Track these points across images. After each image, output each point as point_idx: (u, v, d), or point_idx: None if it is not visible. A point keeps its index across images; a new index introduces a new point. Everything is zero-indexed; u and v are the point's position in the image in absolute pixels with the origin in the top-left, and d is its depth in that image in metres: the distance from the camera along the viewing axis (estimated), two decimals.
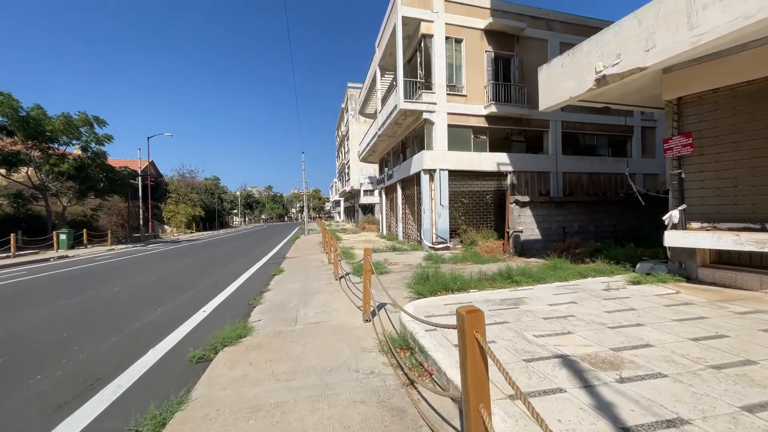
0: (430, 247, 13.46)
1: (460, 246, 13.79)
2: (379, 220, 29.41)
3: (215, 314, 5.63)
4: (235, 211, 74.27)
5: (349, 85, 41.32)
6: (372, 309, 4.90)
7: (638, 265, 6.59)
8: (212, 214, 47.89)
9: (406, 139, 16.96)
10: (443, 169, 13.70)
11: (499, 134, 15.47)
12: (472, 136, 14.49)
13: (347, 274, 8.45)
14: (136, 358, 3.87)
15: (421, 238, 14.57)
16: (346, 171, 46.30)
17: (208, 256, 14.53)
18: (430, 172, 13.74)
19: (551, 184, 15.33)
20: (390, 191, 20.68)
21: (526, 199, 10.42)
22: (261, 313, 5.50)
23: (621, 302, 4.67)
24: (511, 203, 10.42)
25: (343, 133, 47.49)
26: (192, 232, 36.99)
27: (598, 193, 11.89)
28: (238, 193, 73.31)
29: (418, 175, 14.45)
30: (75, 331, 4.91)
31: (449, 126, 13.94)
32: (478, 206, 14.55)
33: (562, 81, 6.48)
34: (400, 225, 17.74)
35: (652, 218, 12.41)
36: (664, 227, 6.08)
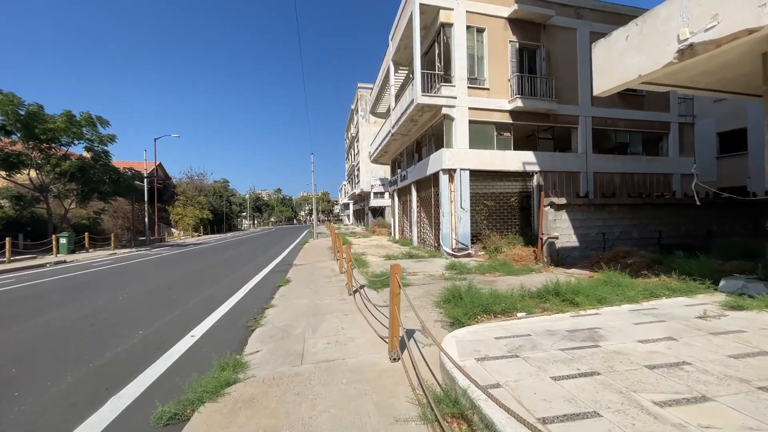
0: (450, 254, 12.31)
1: (482, 253, 12.61)
2: (390, 223, 28.32)
3: (205, 340, 4.59)
4: (244, 213, 74.02)
5: (359, 85, 40.48)
6: (400, 336, 3.80)
7: (722, 282, 5.36)
8: (220, 217, 47.42)
9: (422, 137, 15.87)
10: (464, 169, 12.55)
11: (524, 131, 14.27)
12: (495, 132, 13.32)
13: (362, 287, 7.36)
14: (84, 416, 2.82)
15: (439, 243, 13.42)
16: (356, 173, 45.39)
17: (212, 261, 13.61)
18: (450, 172, 12.60)
19: (581, 185, 14.04)
20: (403, 193, 19.58)
21: (563, 201, 9.21)
22: (260, 340, 4.44)
23: (738, 339, 3.48)
24: (545, 206, 9.22)
25: (353, 134, 46.64)
26: (199, 236, 36.41)
27: (641, 195, 10.61)
28: (246, 195, 73.06)
29: (436, 175, 13.33)
30: (18, 370, 3.89)
31: (470, 122, 12.80)
32: (502, 209, 13.34)
33: (627, 57, 5.32)
34: (415, 229, 16.61)
35: (705, 223, 11.08)
36: None
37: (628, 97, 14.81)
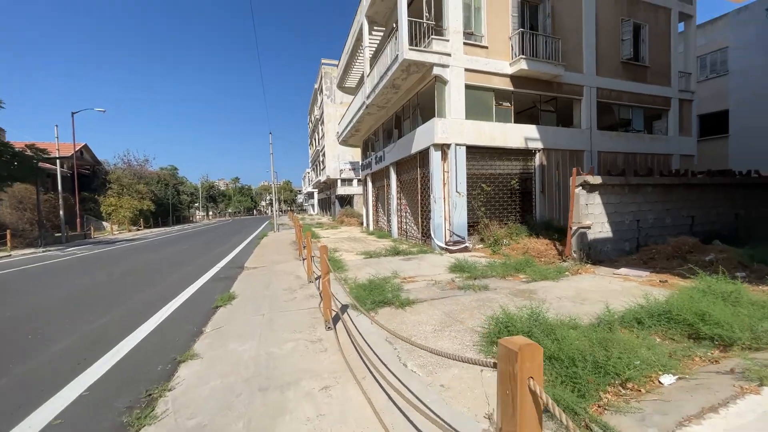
0: (443, 249, 10.07)
1: (481, 246, 10.51)
2: (360, 213, 25.74)
3: None
4: (197, 204, 67.51)
5: (323, 61, 36.82)
6: None
7: None
8: (166, 209, 42.02)
9: (403, 110, 13.35)
10: (460, 144, 10.25)
11: (524, 102, 12.24)
12: (494, 102, 11.12)
13: (344, 309, 4.82)
14: None
15: (427, 235, 11.14)
16: (321, 159, 41.99)
17: (134, 265, 10.32)
18: (443, 148, 10.25)
19: (585, 166, 12.34)
20: (379, 178, 17.04)
21: (597, 180, 7.21)
22: None
23: None
24: (577, 187, 7.16)
25: (317, 117, 42.97)
26: (139, 230, 31.50)
27: (673, 173, 8.99)
28: (198, 184, 66.37)
29: (424, 153, 10.93)
30: None
31: (467, 87, 10.48)
32: (501, 194, 11.28)
33: None
34: (395, 219, 14.21)
35: (734, 206, 9.71)
36: None
37: (631, 67, 13.27)
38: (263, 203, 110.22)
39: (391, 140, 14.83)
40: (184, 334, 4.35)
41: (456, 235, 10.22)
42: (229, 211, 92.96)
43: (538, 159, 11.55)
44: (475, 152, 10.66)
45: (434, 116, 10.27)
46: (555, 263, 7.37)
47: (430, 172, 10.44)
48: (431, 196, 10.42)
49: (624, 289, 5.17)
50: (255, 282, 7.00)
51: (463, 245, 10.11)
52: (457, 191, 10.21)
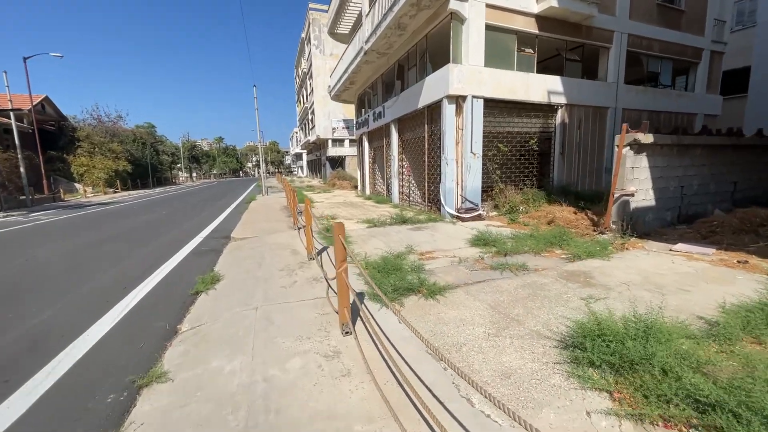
0: (454, 216, 9.06)
1: (495, 213, 9.54)
2: (354, 175, 24.33)
3: None
4: (179, 165, 64.25)
5: (311, 6, 33.14)
6: None
7: None
8: (145, 170, 39.49)
9: (408, 57, 11.65)
10: (477, 97, 8.88)
11: (547, 50, 10.72)
12: (516, 47, 9.60)
13: (360, 297, 3.80)
14: None
15: (436, 201, 10.08)
16: (309, 117, 39.43)
17: (100, 235, 9.04)
18: (458, 101, 8.88)
19: (607, 125, 11.18)
20: (377, 137, 15.56)
21: (649, 139, 6.10)
22: None
23: None
24: (624, 147, 6.05)
25: (305, 70, 39.71)
26: (116, 192, 29.48)
27: (721, 132, 7.92)
28: (179, 143, 62.62)
29: (434, 107, 9.55)
30: None
31: (487, 27, 8.90)
32: (519, 155, 10.13)
33: None
34: (395, 182, 13.01)
35: None
36: None
37: (667, 11, 11.70)
38: (249, 165, 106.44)
39: (392, 94, 13.22)
40: (151, 335, 3.29)
41: (469, 201, 9.17)
42: (214, 172, 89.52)
43: (559, 116, 10.29)
44: (492, 107, 9.32)
45: (448, 63, 8.76)
46: (590, 235, 6.46)
47: (441, 129, 9.12)
48: (442, 157, 9.20)
49: (698, 272, 4.27)
50: (244, 258, 5.90)
51: (477, 212, 9.10)
52: (472, 151, 9.00)
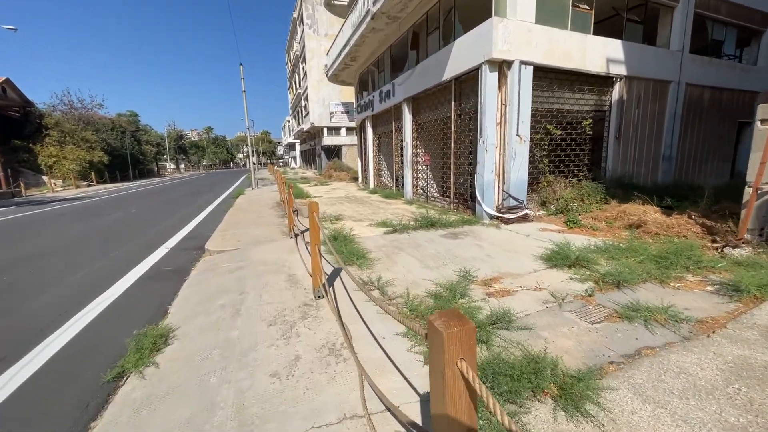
0: (494, 217, 7.12)
1: (543, 213, 7.60)
2: (355, 166, 22.19)
3: None
4: (165, 156, 60.98)
5: None
6: None
7: None
8: (125, 161, 36.67)
9: (427, 20, 9.52)
10: (526, 63, 6.85)
11: (603, 9, 8.69)
12: (571, 1, 7.55)
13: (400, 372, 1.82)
14: None
15: (466, 197, 8.12)
16: (303, 104, 36.92)
17: (32, 246, 6.89)
18: (502, 68, 6.85)
19: (668, 103, 9.25)
20: (384, 120, 13.46)
21: None
22: None
23: None
24: None
25: (297, 54, 36.98)
26: (90, 185, 26.88)
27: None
28: (165, 132, 59.23)
29: (465, 79, 7.52)
30: None
31: None
32: (569, 140, 8.16)
33: None
34: (409, 174, 10.98)
35: None
36: None
37: None
38: (240, 155, 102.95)
39: (405, 68, 11.09)
40: None
41: (512, 197, 7.21)
42: (204, 163, 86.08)
43: (617, 90, 8.32)
44: (541, 77, 7.30)
45: (485, 19, 6.68)
46: (708, 246, 4.57)
47: (481, 105, 7.07)
48: (479, 142, 7.19)
49: None
50: (215, 292, 3.87)
51: (522, 212, 7.15)
52: (518, 134, 7.01)
